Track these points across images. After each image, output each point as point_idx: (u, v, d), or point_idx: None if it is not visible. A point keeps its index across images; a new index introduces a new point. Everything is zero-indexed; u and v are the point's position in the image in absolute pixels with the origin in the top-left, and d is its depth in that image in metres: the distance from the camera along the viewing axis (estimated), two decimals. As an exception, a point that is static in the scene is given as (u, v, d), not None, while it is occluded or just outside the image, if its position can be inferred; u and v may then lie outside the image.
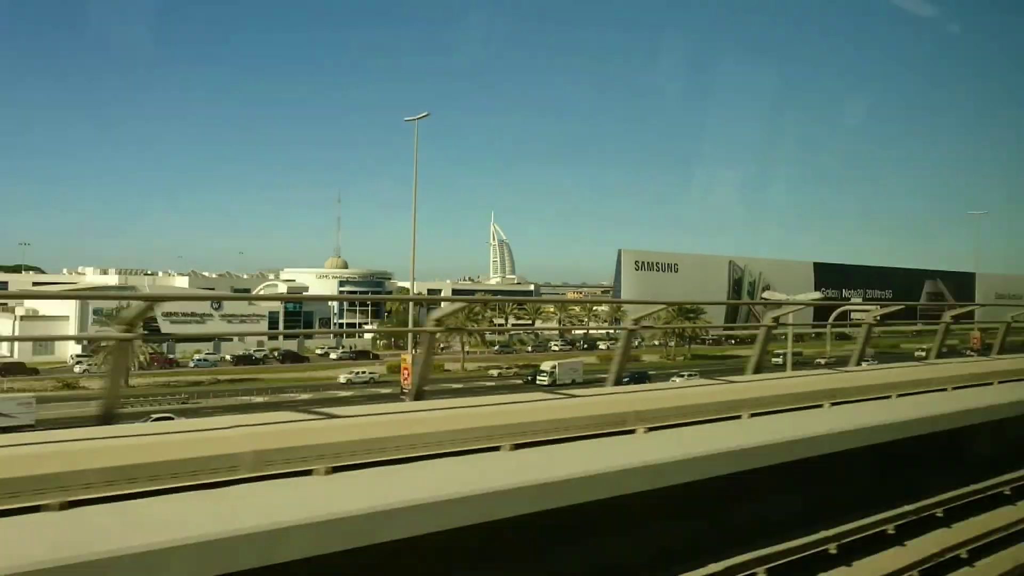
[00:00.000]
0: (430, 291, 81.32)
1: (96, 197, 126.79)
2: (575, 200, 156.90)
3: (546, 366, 45.03)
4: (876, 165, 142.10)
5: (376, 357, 55.48)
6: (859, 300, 64.65)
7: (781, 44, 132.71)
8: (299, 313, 64.95)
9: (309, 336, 71.26)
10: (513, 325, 66.35)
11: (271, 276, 78.51)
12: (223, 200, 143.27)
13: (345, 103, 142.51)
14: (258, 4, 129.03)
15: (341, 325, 68.21)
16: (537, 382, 41.29)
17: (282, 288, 68.25)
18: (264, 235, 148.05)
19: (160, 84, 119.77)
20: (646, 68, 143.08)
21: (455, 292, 78.56)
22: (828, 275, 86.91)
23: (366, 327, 67.23)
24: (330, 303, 69.46)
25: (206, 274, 73.83)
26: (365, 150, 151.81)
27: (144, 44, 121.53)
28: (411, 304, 42.14)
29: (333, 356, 57.62)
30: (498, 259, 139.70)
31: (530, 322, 71.67)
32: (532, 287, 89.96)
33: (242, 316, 56.18)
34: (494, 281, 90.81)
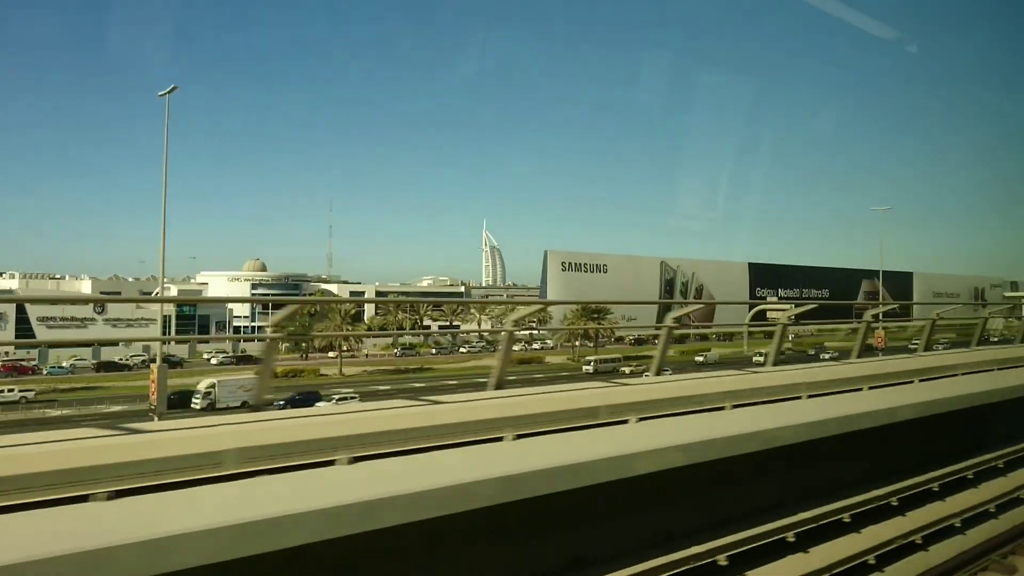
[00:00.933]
0: (352, 293, 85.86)
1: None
2: (560, 208, 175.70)
3: (202, 385, 39.51)
4: (845, 174, 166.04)
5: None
6: (775, 299, 72.49)
7: (754, 62, 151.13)
8: (193, 316, 68.61)
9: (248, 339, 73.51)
10: (444, 328, 72.87)
11: (180, 279, 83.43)
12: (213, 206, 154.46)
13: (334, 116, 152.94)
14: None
15: (253, 329, 73.38)
16: (191, 405, 36.64)
17: (174, 291, 71.69)
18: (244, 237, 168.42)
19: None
20: (627, 85, 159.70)
21: (379, 294, 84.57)
22: (763, 275, 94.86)
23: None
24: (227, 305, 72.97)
25: (102, 278, 78.01)
26: (353, 157, 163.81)
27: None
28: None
29: (214, 361, 60.80)
30: (490, 264, 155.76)
31: (450, 324, 76.44)
32: (462, 288, 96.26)
33: (128, 320, 59.17)
34: (426, 283, 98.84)
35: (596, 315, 60.58)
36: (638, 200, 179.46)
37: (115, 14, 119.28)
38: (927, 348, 11.53)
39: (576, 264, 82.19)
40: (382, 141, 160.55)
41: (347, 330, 57.73)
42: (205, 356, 62.70)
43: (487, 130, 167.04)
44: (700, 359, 57.74)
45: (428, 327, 76.71)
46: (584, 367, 55.02)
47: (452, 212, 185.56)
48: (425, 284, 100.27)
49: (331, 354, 59.41)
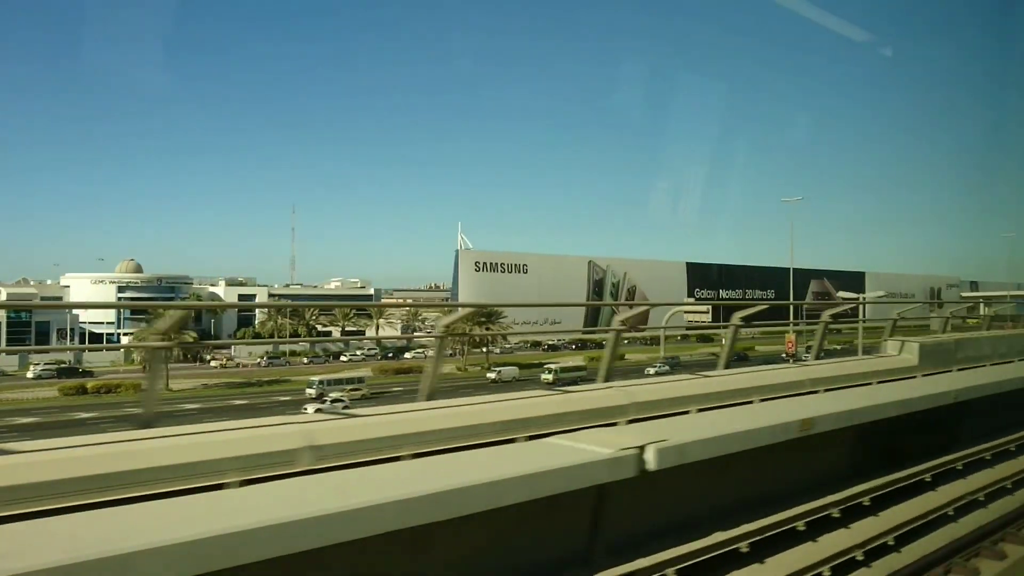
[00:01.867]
0: (241, 296, 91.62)
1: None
2: (541, 212, 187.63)
3: None
4: (820, 176, 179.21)
5: (89, 374, 59.93)
6: (692, 300, 76.37)
7: (730, 65, 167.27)
8: (28, 323, 72.38)
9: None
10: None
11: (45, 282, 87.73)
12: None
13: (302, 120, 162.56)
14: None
15: (117, 338, 76.23)
16: None
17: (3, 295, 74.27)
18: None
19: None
20: (605, 88, 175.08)
21: (271, 296, 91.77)
22: (702, 275, 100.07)
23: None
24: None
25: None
26: (318, 165, 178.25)
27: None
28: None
29: (30, 375, 61.20)
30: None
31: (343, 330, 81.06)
32: (372, 291, 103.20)
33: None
34: (333, 285, 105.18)
35: (484, 319, 62.07)
36: (617, 203, 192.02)
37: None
38: (817, 356, 11.96)
39: (492, 264, 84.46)
40: (356, 149, 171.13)
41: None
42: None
43: (462, 135, 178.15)
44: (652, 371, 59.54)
45: (327, 333, 79.26)
46: (489, 375, 58.62)
47: (427, 215, 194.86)
48: (332, 286, 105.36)
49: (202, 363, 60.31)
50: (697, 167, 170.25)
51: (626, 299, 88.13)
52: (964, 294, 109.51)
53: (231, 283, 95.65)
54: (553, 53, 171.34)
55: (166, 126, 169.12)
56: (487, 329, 58.67)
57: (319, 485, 4.08)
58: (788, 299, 75.23)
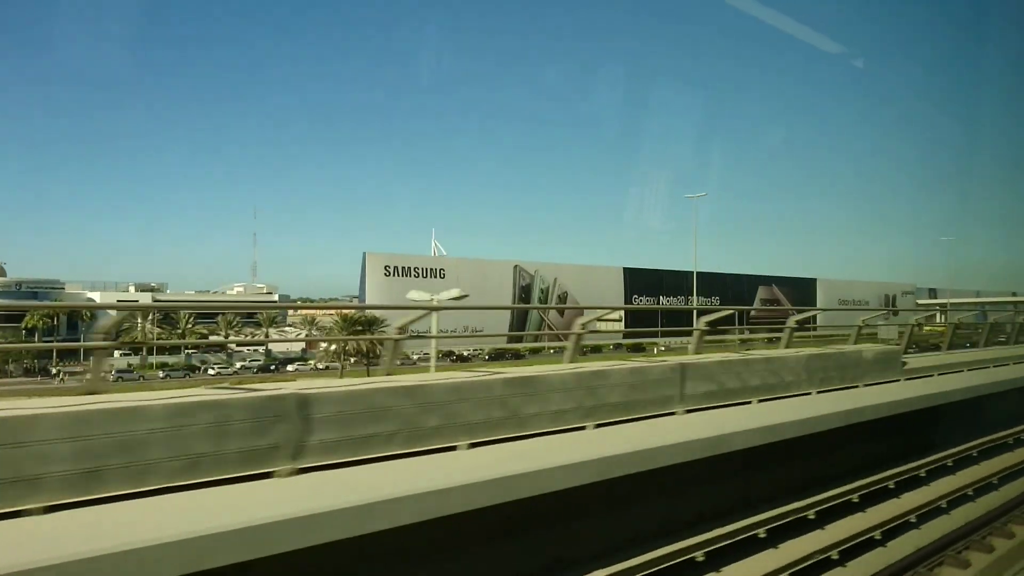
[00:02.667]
0: (120, 302, 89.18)
1: None
2: (514, 217, 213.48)
3: None
4: (794, 184, 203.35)
5: None
6: (608, 308, 79.78)
7: (707, 75, 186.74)
8: None
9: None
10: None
11: None
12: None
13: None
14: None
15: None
16: None
17: None
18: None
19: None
20: (581, 97, 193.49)
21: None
22: (642, 281, 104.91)
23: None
24: None
25: None
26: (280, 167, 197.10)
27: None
28: None
29: None
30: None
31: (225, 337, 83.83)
32: (276, 297, 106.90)
33: None
34: (236, 290, 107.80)
35: (361, 328, 65.95)
36: (594, 209, 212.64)
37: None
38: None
39: (404, 269, 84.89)
40: (326, 155, 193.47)
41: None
42: None
43: (436, 141, 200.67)
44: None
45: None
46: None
47: (401, 222, 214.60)
48: (235, 292, 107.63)
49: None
50: (671, 175, 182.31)
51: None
52: (921, 302, 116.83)
53: (142, 288, 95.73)
54: (528, 63, 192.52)
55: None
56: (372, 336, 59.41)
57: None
58: (712, 305, 78.45)
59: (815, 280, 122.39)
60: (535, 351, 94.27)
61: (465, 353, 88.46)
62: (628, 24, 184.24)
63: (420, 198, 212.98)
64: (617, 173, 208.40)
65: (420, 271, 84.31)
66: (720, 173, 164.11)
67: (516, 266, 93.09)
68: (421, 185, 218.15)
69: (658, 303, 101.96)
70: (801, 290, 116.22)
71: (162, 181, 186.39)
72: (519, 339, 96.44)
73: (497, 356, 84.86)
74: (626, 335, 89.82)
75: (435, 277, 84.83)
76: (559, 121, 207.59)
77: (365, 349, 69.96)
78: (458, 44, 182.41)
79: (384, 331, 65.20)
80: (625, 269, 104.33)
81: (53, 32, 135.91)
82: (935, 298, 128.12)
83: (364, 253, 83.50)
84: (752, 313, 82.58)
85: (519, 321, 78.22)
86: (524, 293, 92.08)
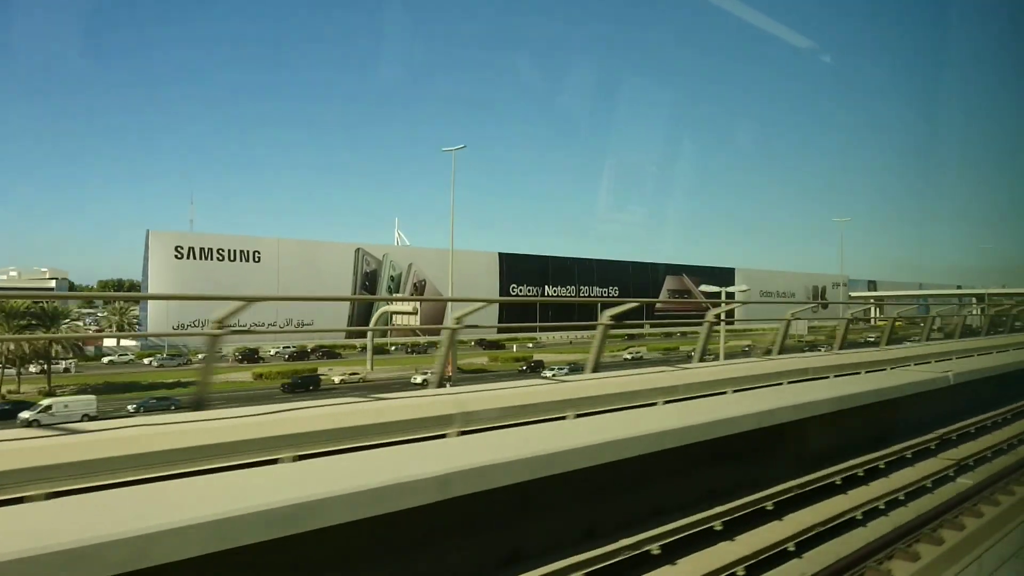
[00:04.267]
0: None
1: None
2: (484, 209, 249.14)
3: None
4: (761, 179, 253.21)
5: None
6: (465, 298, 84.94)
7: (678, 68, 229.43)
8: None
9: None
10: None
11: None
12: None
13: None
14: None
15: None
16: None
17: None
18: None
19: None
20: (552, 89, 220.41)
21: None
22: (522, 268, 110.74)
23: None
24: None
25: None
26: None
27: None
28: None
29: None
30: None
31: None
32: (54, 284, 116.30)
33: None
34: (8, 275, 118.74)
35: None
36: (564, 203, 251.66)
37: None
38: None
39: (203, 250, 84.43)
40: (287, 141, 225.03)
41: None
42: None
43: (402, 132, 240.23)
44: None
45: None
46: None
47: (363, 212, 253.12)
48: (4, 278, 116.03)
49: None
50: (641, 168, 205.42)
51: (413, 295, 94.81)
52: (855, 294, 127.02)
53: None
54: (499, 54, 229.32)
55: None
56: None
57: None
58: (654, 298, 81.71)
59: (733, 270, 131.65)
60: (381, 350, 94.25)
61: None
62: (598, 15, 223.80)
63: (384, 188, 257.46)
64: (586, 166, 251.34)
65: (227, 253, 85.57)
66: (689, 167, 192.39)
67: (358, 249, 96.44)
68: (386, 174, 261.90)
69: (542, 294, 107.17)
70: (717, 280, 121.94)
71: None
72: (360, 335, 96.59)
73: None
74: (501, 330, 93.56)
75: (247, 260, 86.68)
76: (529, 113, 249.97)
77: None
78: (423, 31, 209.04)
79: (76, 326, 68.72)
80: (501, 255, 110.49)
81: None
82: (874, 290, 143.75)
83: (148, 231, 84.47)
84: (658, 306, 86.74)
85: (361, 315, 78.37)
86: (368, 280, 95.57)
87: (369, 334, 73.69)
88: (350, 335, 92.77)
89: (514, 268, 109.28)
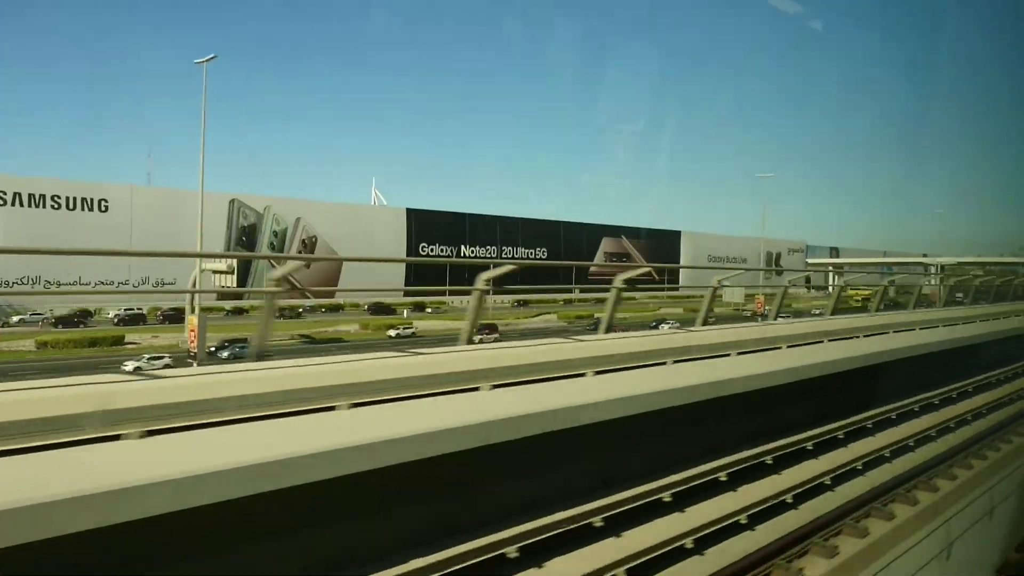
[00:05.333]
0: None
1: None
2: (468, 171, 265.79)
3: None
4: (747, 144, 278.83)
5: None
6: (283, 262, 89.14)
7: (663, 33, 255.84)
8: None
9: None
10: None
11: None
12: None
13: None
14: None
15: None
16: None
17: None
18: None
19: None
20: (538, 50, 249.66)
21: None
22: (433, 225, 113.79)
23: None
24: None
25: None
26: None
27: None
28: None
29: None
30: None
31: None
32: None
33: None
34: None
35: None
36: (548, 165, 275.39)
37: None
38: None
39: (34, 197, 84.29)
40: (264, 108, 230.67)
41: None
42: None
43: (381, 93, 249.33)
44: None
45: None
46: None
47: (342, 172, 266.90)
48: None
49: None
50: (626, 128, 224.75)
51: (301, 253, 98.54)
52: (812, 260, 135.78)
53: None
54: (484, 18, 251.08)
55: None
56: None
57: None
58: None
59: (679, 233, 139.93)
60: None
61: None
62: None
63: (363, 150, 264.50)
64: (571, 129, 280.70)
65: (65, 201, 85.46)
66: (674, 132, 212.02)
67: (234, 200, 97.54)
68: (365, 137, 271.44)
69: (458, 254, 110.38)
70: (662, 243, 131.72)
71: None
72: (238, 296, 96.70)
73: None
74: (409, 293, 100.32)
75: (89, 209, 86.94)
76: (515, 74, 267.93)
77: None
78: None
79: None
80: (410, 211, 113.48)
81: None
82: (837, 257, 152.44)
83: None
84: (592, 270, 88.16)
85: (242, 269, 77.95)
86: (246, 235, 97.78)
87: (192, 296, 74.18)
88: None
89: (425, 226, 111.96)
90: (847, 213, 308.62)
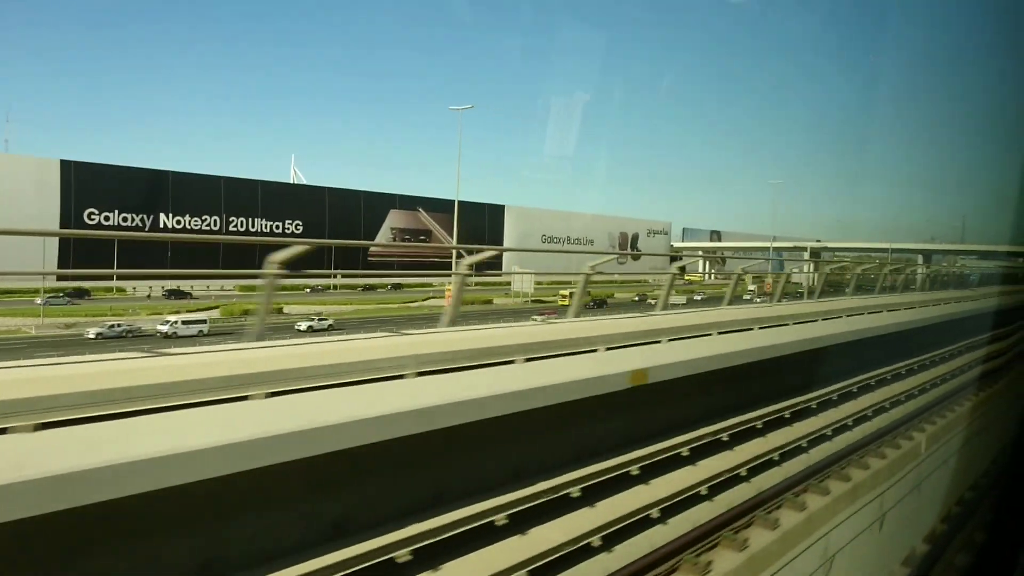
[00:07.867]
0: None
1: None
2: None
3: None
4: (683, 130, 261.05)
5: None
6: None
7: (608, 15, 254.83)
8: None
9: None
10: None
11: None
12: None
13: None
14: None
15: None
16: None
17: None
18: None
19: None
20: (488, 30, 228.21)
21: None
22: (106, 183, 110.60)
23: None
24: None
25: None
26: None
27: None
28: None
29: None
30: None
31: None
32: None
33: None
34: None
35: None
36: (489, 148, 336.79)
37: None
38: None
39: None
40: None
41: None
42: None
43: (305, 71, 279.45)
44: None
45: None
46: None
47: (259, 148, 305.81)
48: None
49: None
50: (568, 106, 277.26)
51: None
52: (677, 244, 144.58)
53: None
54: None
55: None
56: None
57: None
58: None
59: (503, 207, 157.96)
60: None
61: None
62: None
63: (283, 126, 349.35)
64: (512, 109, 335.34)
65: None
66: (616, 116, 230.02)
67: None
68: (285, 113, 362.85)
69: (156, 222, 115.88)
70: (480, 219, 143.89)
71: None
72: None
73: None
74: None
75: None
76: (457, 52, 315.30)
77: None
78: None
79: None
80: (65, 163, 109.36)
81: None
82: (719, 240, 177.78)
83: None
84: (373, 250, 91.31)
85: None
86: None
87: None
88: None
89: (89, 186, 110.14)
90: (779, 201, 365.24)
